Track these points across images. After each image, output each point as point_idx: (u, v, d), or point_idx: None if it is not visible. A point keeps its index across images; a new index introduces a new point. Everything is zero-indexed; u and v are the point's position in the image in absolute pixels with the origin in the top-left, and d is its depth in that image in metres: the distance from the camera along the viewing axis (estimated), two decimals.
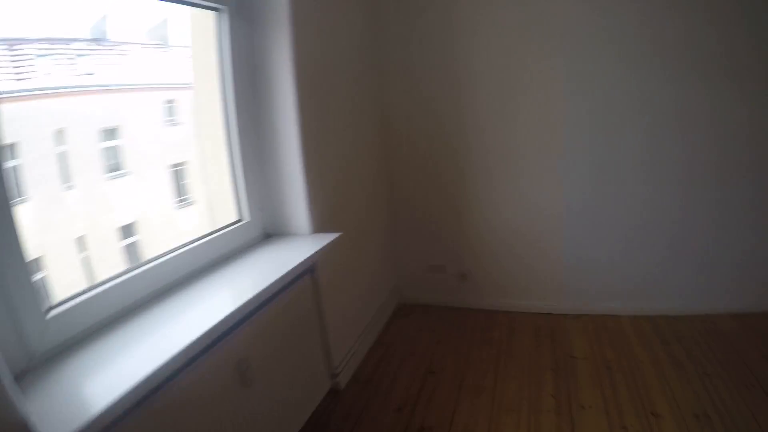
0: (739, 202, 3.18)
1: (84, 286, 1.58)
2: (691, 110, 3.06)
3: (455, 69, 3.23)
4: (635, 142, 3.17)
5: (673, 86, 3.01)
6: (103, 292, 1.58)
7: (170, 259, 1.89)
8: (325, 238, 2.32)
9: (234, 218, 2.34)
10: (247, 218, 2.36)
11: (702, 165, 3.15)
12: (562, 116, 3.18)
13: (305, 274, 2.24)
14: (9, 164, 1.30)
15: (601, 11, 2.96)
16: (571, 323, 3.38)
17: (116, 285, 1.64)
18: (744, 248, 3.29)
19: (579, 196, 3.29)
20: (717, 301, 3.43)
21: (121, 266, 1.82)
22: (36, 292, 1.34)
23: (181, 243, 2.00)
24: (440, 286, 3.62)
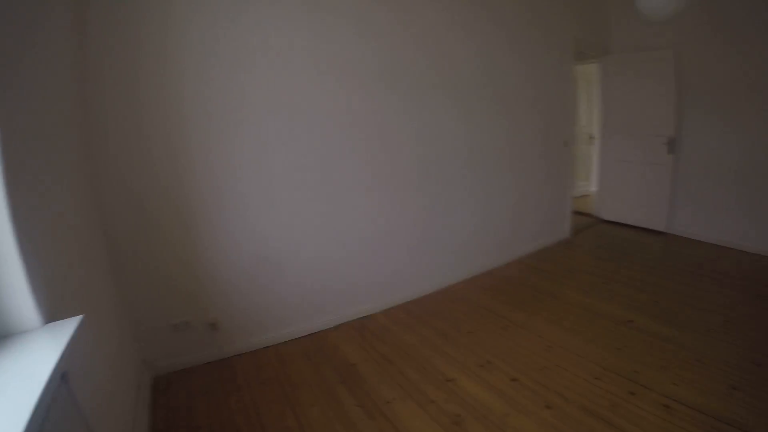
0: (452, 200, 4.00)
1: None
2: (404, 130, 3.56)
3: (179, 102, 2.72)
4: (359, 161, 3.37)
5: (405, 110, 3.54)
6: None
7: None
8: (65, 328, 1.52)
9: None
10: None
11: (415, 176, 3.69)
12: (287, 142, 3.04)
13: (57, 387, 1.40)
14: None
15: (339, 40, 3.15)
16: (335, 335, 3.21)
17: None
18: (462, 232, 4.13)
19: (315, 214, 3.24)
20: (450, 274, 4.09)
21: None
22: None
23: None
24: (191, 343, 2.95)
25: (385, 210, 3.57)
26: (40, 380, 1.19)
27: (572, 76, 5.08)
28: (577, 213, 6.44)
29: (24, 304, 1.49)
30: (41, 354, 1.34)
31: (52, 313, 1.55)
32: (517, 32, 4.27)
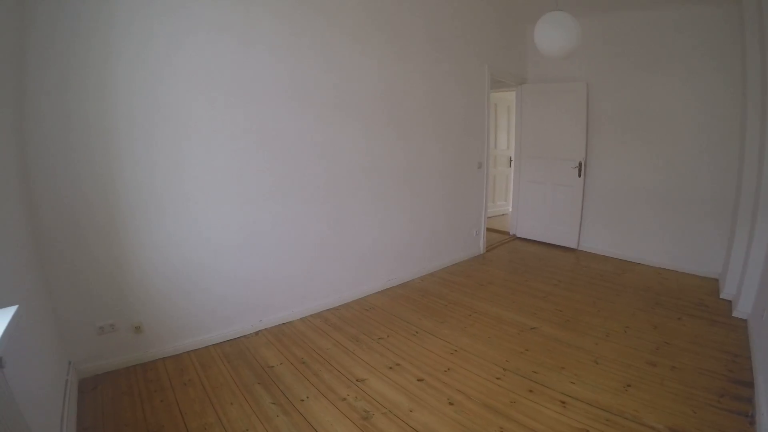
0: (369, 217, 4.35)
1: None
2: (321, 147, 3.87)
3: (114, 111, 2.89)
4: (274, 176, 3.66)
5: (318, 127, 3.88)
6: None
7: None
8: (2, 314, 1.56)
9: None
10: None
11: (324, 191, 4.01)
12: (205, 161, 3.27)
13: None
14: None
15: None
16: (254, 340, 3.50)
17: None
18: (378, 246, 4.52)
19: (235, 227, 3.48)
20: (365, 286, 4.50)
21: None
22: None
23: None
24: (116, 345, 3.07)
25: (304, 223, 3.89)
26: None
27: (486, 102, 5.68)
28: (494, 231, 7.04)
29: None
30: None
31: None
32: (430, 63, 4.77)
